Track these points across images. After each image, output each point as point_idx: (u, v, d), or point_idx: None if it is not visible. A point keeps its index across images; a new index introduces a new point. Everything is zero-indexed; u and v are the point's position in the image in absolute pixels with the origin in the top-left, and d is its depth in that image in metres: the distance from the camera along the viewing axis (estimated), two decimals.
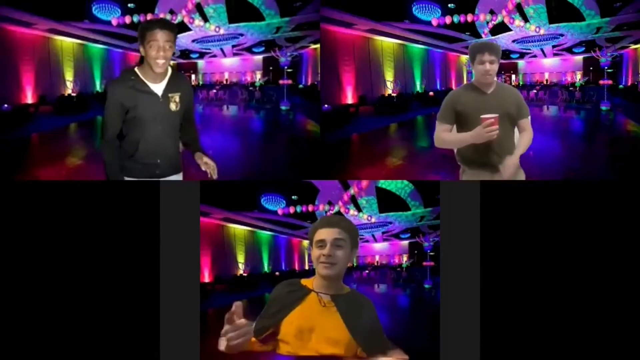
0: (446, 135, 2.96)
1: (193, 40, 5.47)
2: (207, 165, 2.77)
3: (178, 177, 2.88)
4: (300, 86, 5.57)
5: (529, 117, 3.00)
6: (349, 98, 5.36)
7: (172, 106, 2.72)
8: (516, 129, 2.98)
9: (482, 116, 2.75)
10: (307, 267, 5.39)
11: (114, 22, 5.14)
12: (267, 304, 2.32)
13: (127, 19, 5.09)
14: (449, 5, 5.16)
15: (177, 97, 2.72)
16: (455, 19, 5.16)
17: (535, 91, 5.73)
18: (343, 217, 2.36)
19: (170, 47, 2.63)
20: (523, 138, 2.95)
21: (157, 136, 2.72)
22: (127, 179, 2.78)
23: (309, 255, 2.53)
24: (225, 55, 5.80)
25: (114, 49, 5.70)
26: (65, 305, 2.87)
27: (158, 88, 2.69)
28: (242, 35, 5.47)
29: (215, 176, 2.78)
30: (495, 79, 2.94)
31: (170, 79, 2.72)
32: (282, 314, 2.28)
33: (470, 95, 2.92)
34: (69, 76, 5.56)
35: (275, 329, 2.27)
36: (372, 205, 5.03)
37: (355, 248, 2.32)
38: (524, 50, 5.53)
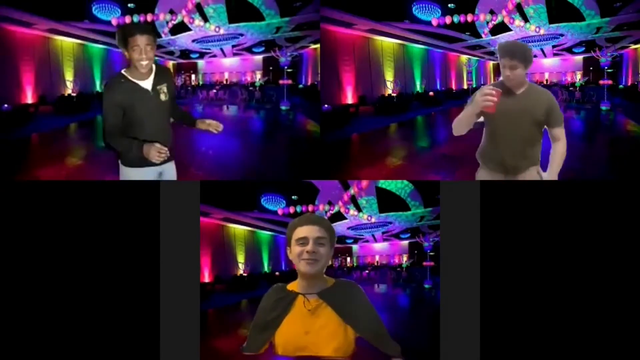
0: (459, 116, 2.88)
1: (193, 40, 5.47)
2: (210, 125, 3.08)
3: (172, 164, 3.05)
4: (300, 86, 5.57)
5: (562, 126, 2.86)
6: (349, 98, 5.36)
7: (162, 97, 2.94)
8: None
9: (486, 87, 2.70)
10: None
11: (114, 22, 5.14)
12: (257, 314, 2.33)
13: (127, 19, 5.08)
14: (449, 5, 5.16)
15: (164, 88, 2.95)
16: (455, 19, 5.16)
17: None
18: (322, 216, 2.38)
19: (152, 48, 2.86)
20: (556, 153, 2.84)
21: (154, 129, 2.91)
22: (128, 168, 2.89)
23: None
24: (225, 55, 5.80)
25: (114, 49, 5.70)
26: (66, 305, 2.87)
27: (147, 84, 2.91)
28: (242, 35, 5.47)
29: (220, 129, 3.08)
30: (526, 80, 2.86)
31: (156, 74, 2.95)
32: (274, 325, 2.29)
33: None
34: (69, 76, 5.56)
35: (272, 341, 2.29)
36: (372, 205, 5.04)
37: (332, 248, 2.33)
38: None
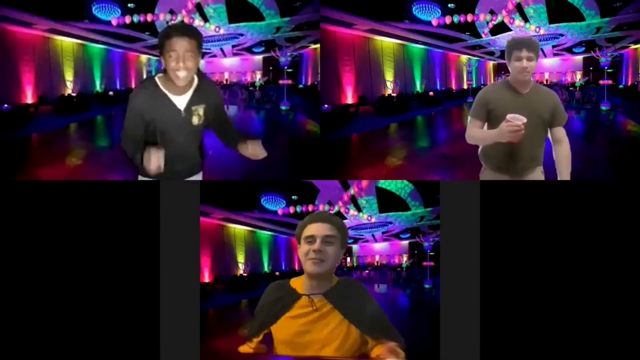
0: (475, 132, 2.82)
1: None
2: (255, 155, 2.57)
3: (198, 176, 2.76)
4: (300, 86, 5.57)
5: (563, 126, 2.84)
6: (349, 98, 5.36)
7: (195, 120, 2.49)
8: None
9: (509, 115, 2.58)
10: None
11: (114, 22, 5.14)
12: (257, 309, 2.30)
13: (127, 19, 5.09)
14: (449, 5, 5.16)
15: (200, 110, 2.49)
16: (455, 19, 5.15)
17: None
18: (334, 215, 2.31)
19: (192, 56, 2.35)
20: (563, 157, 2.79)
21: (177, 145, 2.53)
22: (144, 179, 2.69)
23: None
24: (225, 55, 5.80)
25: (114, 49, 5.71)
26: (66, 305, 2.87)
27: (181, 101, 2.45)
28: (242, 35, 5.47)
29: (263, 156, 2.58)
30: (531, 79, 2.83)
31: (196, 91, 2.47)
32: (272, 319, 2.25)
33: (504, 95, 2.78)
34: (69, 76, 5.56)
35: (268, 331, 2.26)
36: (372, 205, 5.03)
37: (343, 248, 2.26)
38: None
